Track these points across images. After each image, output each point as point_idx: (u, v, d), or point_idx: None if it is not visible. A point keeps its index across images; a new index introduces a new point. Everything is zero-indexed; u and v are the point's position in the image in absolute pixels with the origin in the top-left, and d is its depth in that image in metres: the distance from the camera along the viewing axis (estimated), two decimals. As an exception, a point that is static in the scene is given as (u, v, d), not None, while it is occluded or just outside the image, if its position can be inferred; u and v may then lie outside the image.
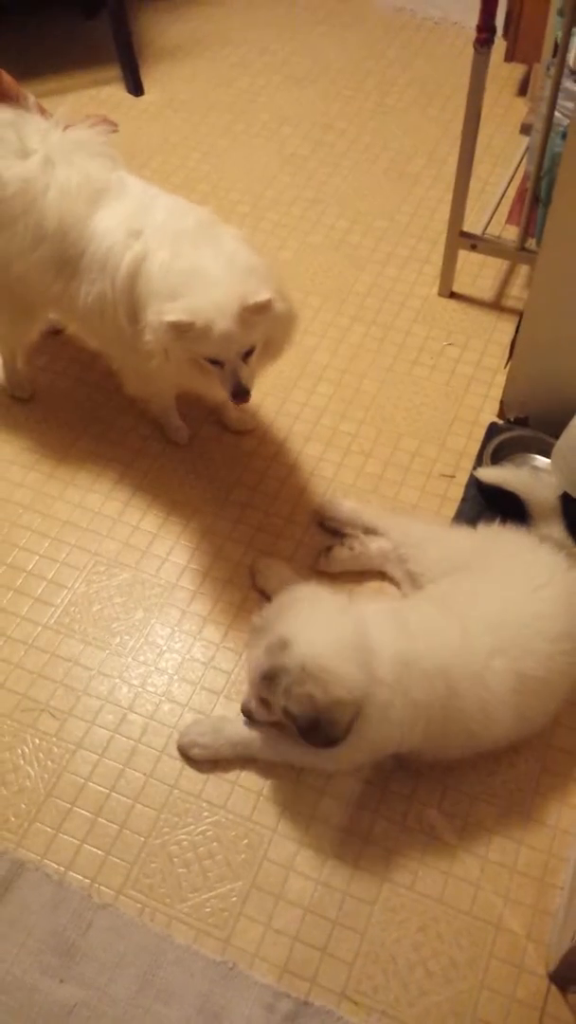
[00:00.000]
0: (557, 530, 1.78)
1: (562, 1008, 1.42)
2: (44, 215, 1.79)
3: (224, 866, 1.55)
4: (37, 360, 2.36)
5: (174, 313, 1.60)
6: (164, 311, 1.62)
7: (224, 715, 1.73)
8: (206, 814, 1.60)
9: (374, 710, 1.45)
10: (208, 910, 1.51)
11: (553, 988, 1.44)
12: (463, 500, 2.02)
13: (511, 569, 1.66)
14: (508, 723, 1.53)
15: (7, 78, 2.70)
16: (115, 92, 3.30)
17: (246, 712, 1.60)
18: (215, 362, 1.68)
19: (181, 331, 1.61)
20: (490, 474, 1.89)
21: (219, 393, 1.75)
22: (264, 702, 1.53)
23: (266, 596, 1.85)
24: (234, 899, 1.52)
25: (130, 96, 3.30)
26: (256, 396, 2.19)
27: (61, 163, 1.82)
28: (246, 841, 1.58)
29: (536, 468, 2.06)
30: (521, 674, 1.50)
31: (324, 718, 1.42)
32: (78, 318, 1.95)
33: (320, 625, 1.49)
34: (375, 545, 1.89)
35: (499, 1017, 1.41)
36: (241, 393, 1.70)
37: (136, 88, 3.30)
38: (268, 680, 1.46)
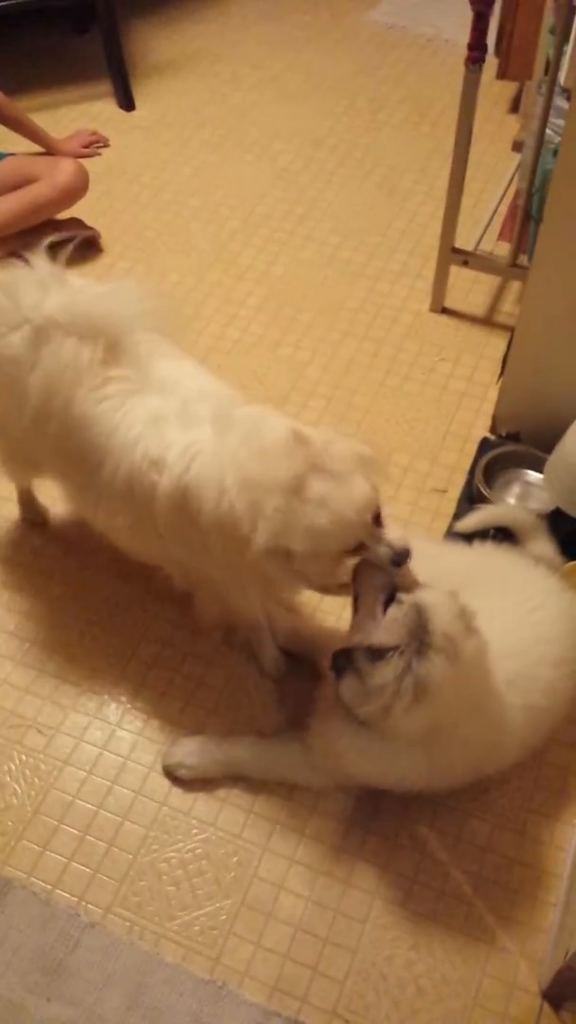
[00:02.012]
0: (545, 548, 1.77)
1: (555, 1026, 1.41)
2: (27, 396, 1.50)
3: (214, 884, 1.53)
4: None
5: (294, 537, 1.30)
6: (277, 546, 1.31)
7: (211, 734, 1.71)
8: (195, 831, 1.59)
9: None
10: (197, 928, 1.49)
11: (546, 1006, 1.42)
12: (455, 516, 2.02)
13: (505, 591, 1.63)
14: (514, 754, 1.51)
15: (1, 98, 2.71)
16: (106, 107, 3.31)
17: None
18: (354, 552, 1.38)
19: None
20: (469, 522, 1.85)
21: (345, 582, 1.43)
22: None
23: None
24: (224, 917, 1.50)
25: (121, 111, 3.31)
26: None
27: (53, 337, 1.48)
28: (236, 859, 1.56)
29: (528, 483, 2.06)
30: (529, 707, 1.46)
31: (373, 696, 1.29)
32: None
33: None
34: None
35: (491, 1037, 1.40)
36: (404, 554, 1.41)
37: (127, 103, 3.31)
38: (418, 641, 1.27)
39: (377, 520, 1.38)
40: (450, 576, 1.69)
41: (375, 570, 1.37)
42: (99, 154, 3.09)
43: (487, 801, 1.63)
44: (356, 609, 1.40)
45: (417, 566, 1.73)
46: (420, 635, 1.27)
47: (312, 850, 1.57)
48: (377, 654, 1.28)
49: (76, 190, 2.66)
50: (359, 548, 1.37)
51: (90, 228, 2.76)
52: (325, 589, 1.60)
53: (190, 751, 1.64)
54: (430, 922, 1.50)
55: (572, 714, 1.69)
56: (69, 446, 1.51)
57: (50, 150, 2.90)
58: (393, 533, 1.39)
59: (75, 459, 1.52)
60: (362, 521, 1.34)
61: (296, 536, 1.30)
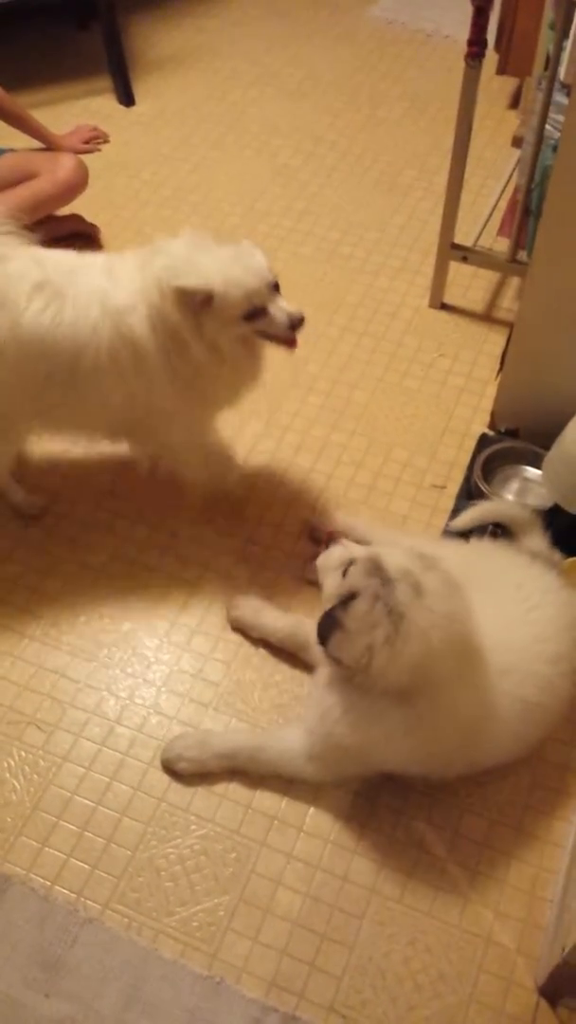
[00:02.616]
0: (540, 543, 1.77)
1: (552, 1022, 1.40)
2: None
3: (212, 880, 1.54)
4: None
5: (205, 278, 1.57)
6: (191, 285, 1.57)
7: (210, 728, 1.72)
8: (194, 827, 1.59)
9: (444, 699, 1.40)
10: (195, 924, 1.49)
11: (543, 1002, 1.42)
12: (453, 511, 2.02)
13: (503, 588, 1.64)
14: (506, 747, 1.52)
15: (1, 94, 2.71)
16: (107, 103, 3.31)
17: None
18: (255, 317, 1.64)
19: (229, 293, 1.58)
20: (463, 520, 1.86)
21: (260, 372, 1.78)
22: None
23: (242, 632, 1.85)
24: (221, 913, 1.50)
25: (121, 107, 3.30)
26: (244, 408, 2.19)
27: None
28: (234, 854, 1.56)
29: (527, 479, 2.06)
30: (524, 700, 1.47)
31: (354, 639, 1.34)
32: (104, 426, 1.84)
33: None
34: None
35: (488, 1032, 1.40)
36: (299, 321, 1.68)
37: (128, 99, 3.31)
38: (379, 579, 1.35)
39: (276, 289, 1.67)
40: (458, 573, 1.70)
41: (330, 551, 1.46)
42: (99, 150, 3.09)
43: (484, 797, 1.63)
44: (324, 589, 1.47)
45: None
46: (379, 574, 1.35)
47: (310, 846, 1.57)
48: (349, 599, 1.35)
49: (76, 186, 2.66)
50: (259, 314, 1.64)
51: (90, 224, 2.76)
52: (236, 370, 1.74)
53: (188, 745, 1.65)
54: (427, 918, 1.50)
55: (569, 712, 1.70)
56: (38, 370, 1.66)
57: (50, 146, 2.89)
58: (288, 304, 1.67)
59: (55, 379, 1.68)
60: (261, 285, 1.62)
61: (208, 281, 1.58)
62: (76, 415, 1.80)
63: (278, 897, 1.52)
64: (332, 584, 1.42)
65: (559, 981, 1.39)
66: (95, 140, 3.11)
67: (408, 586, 1.33)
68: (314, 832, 1.59)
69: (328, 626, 1.38)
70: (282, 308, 1.67)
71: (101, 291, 1.66)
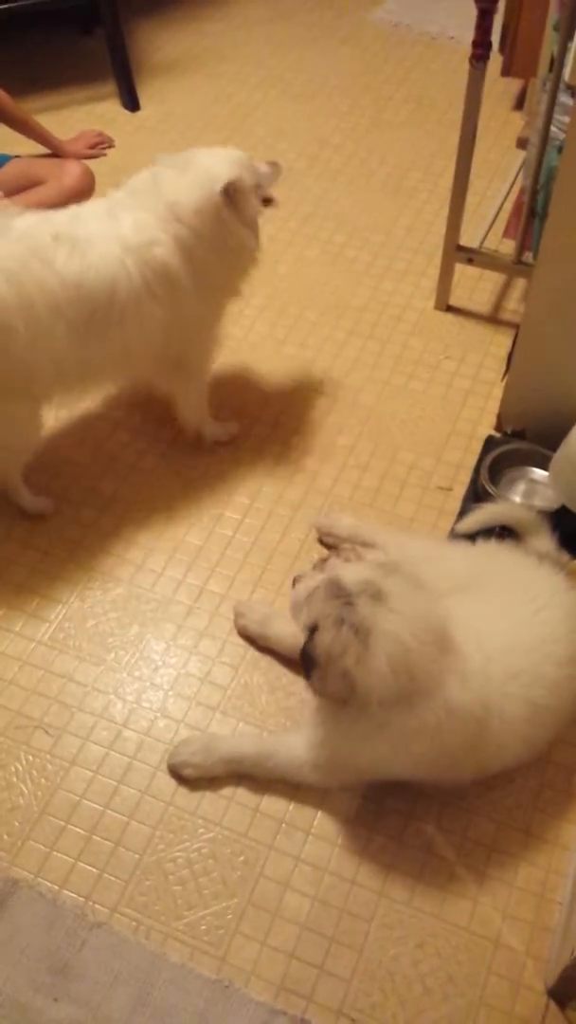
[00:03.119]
0: (547, 544, 1.77)
1: (560, 1022, 1.40)
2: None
3: (220, 883, 1.54)
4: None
5: (227, 172, 1.81)
6: (231, 178, 1.80)
7: (215, 732, 1.72)
8: (202, 831, 1.59)
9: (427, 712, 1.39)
10: (204, 928, 1.49)
11: (552, 1004, 1.42)
12: (460, 513, 2.01)
13: (511, 590, 1.63)
14: (514, 751, 1.51)
15: (4, 98, 2.72)
16: (111, 107, 3.32)
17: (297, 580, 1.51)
18: (257, 184, 1.91)
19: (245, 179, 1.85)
20: (468, 523, 1.84)
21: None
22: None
23: (248, 639, 1.85)
24: (230, 916, 1.50)
25: (126, 111, 3.31)
26: (251, 409, 2.19)
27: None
28: (242, 858, 1.56)
29: (534, 481, 2.05)
30: (532, 702, 1.46)
31: (314, 638, 1.36)
32: (136, 364, 1.97)
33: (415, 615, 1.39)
34: (371, 558, 1.87)
35: (498, 1035, 1.40)
36: (279, 168, 2.01)
37: (132, 103, 3.32)
38: (298, 607, 1.41)
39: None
40: (455, 576, 1.69)
41: (297, 588, 1.48)
42: (105, 155, 3.10)
43: (493, 800, 1.63)
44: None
45: (426, 567, 1.75)
46: (340, 595, 1.36)
47: (318, 849, 1.57)
48: (314, 631, 1.37)
49: (82, 192, 2.67)
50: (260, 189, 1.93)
51: None
52: (257, 242, 1.95)
53: (195, 750, 1.64)
54: (436, 921, 1.50)
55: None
56: (81, 314, 1.75)
57: (56, 152, 2.91)
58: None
59: (88, 323, 1.77)
60: (245, 157, 1.91)
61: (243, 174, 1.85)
62: (114, 359, 1.89)
63: (286, 900, 1.52)
64: (300, 619, 1.44)
65: (569, 983, 1.39)
66: (100, 145, 3.12)
67: (369, 597, 1.34)
68: (322, 835, 1.59)
69: (304, 664, 1.40)
70: (263, 165, 1.96)
71: (113, 233, 1.78)
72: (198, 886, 1.53)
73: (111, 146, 3.15)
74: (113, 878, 1.54)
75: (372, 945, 1.48)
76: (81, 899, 1.52)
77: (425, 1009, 1.42)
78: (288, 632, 1.78)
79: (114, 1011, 1.40)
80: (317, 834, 1.59)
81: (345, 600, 1.35)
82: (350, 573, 1.40)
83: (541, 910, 1.51)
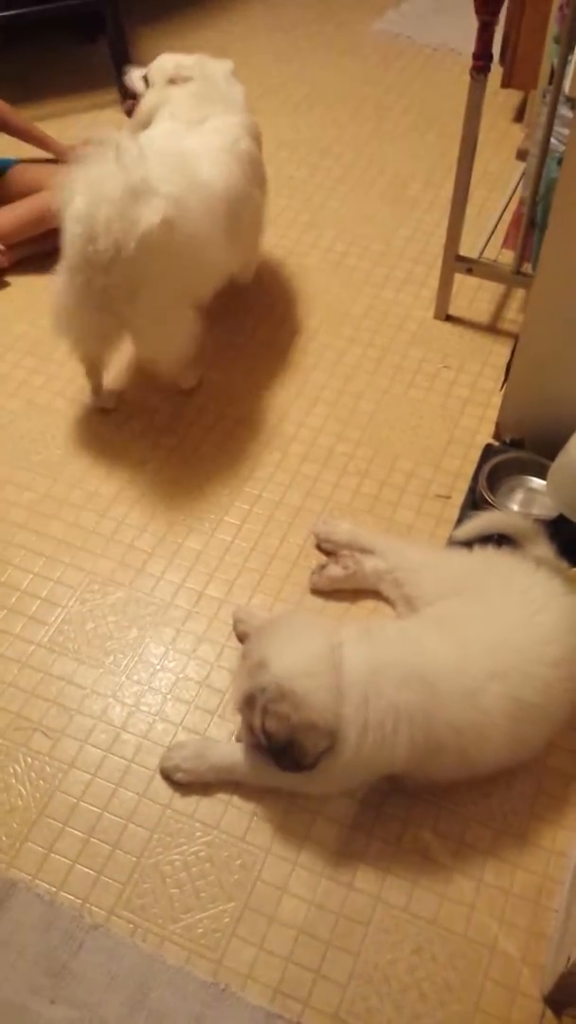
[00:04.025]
0: (545, 551, 1.78)
1: (557, 1031, 1.41)
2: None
3: (217, 887, 1.54)
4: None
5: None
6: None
7: (210, 738, 1.73)
8: (199, 834, 1.59)
9: (351, 734, 1.44)
10: (200, 931, 1.49)
11: (548, 1012, 1.42)
12: (458, 521, 2.02)
13: (508, 593, 1.65)
14: (502, 747, 1.52)
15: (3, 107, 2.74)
16: (114, 115, 3.33)
17: (238, 738, 1.61)
18: None
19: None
20: (466, 531, 1.84)
21: None
22: (249, 726, 1.50)
23: (244, 640, 1.85)
24: (227, 920, 1.51)
25: (129, 119, 3.32)
26: (246, 420, 2.20)
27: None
28: (239, 862, 1.57)
29: (532, 490, 2.06)
30: (519, 700, 1.48)
31: (296, 739, 1.41)
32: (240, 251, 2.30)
33: (298, 646, 1.48)
34: (370, 564, 1.89)
35: (493, 1041, 1.40)
36: None
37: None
38: (248, 701, 1.45)
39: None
40: (451, 581, 1.71)
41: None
42: None
43: (490, 807, 1.63)
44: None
45: (425, 573, 1.77)
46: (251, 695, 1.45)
47: (315, 854, 1.58)
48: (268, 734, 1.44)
49: None
50: None
51: None
52: None
53: (186, 756, 1.65)
54: (432, 926, 1.50)
55: (572, 721, 1.70)
56: (220, 217, 2.08)
57: (60, 157, 2.92)
58: None
59: (229, 224, 2.11)
60: None
61: None
62: (236, 255, 2.24)
63: (283, 904, 1.52)
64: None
65: (564, 990, 1.39)
66: None
67: (272, 685, 1.42)
68: (319, 840, 1.59)
69: (278, 760, 1.47)
70: None
71: (210, 141, 2.12)
72: (195, 889, 1.54)
73: None
74: (111, 880, 1.54)
75: (368, 950, 1.48)
76: (79, 901, 1.52)
77: (421, 1015, 1.42)
78: None
79: (111, 1013, 1.40)
80: (315, 839, 1.59)
81: (249, 700, 1.45)
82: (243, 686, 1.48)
83: (537, 917, 1.52)
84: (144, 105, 2.30)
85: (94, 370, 2.24)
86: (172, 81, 2.25)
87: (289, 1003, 1.43)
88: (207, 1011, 1.41)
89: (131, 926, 1.50)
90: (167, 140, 2.10)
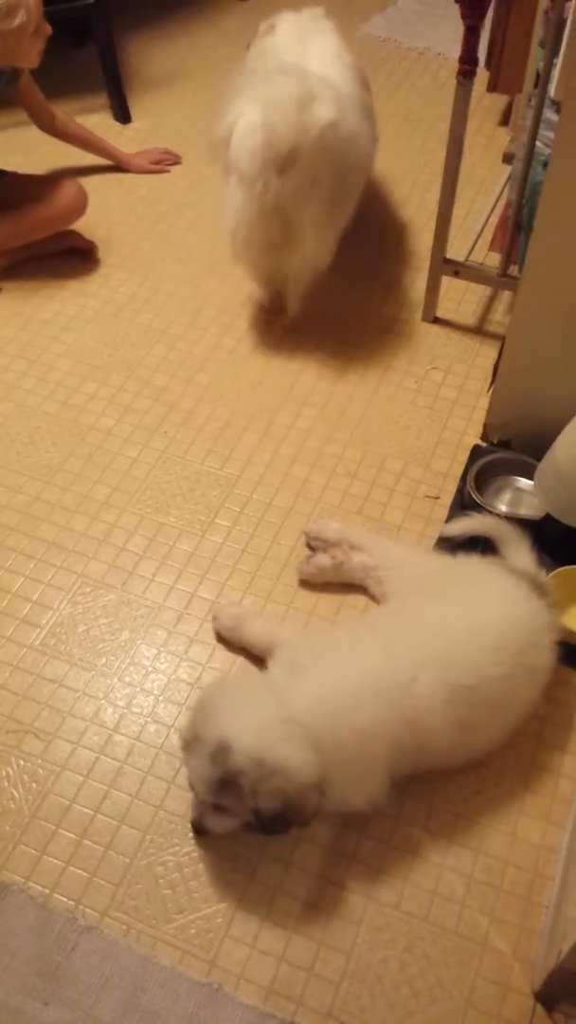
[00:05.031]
0: (526, 559, 1.80)
1: (547, 1026, 1.42)
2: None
3: (210, 887, 1.55)
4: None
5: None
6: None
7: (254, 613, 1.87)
8: (191, 835, 1.60)
9: (335, 774, 1.45)
10: (193, 931, 1.50)
11: (539, 1007, 1.44)
12: (447, 521, 2.04)
13: (466, 591, 1.70)
14: (449, 734, 1.53)
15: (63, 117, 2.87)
16: (103, 120, 3.34)
17: (197, 828, 1.55)
18: None
19: None
20: (455, 528, 1.92)
21: None
22: (219, 809, 1.48)
23: (224, 641, 1.87)
24: (220, 920, 1.51)
25: (117, 124, 3.34)
26: (241, 419, 2.21)
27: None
28: (232, 862, 1.57)
29: (519, 490, 2.08)
30: (450, 683, 1.51)
31: (291, 806, 1.41)
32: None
33: (251, 714, 1.46)
34: (358, 559, 1.90)
35: (485, 1037, 1.41)
36: None
37: (123, 116, 3.35)
38: (226, 787, 1.42)
39: None
40: (424, 580, 1.78)
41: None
42: (168, 171, 3.13)
43: (479, 804, 1.65)
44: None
45: (404, 572, 1.82)
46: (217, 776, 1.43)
47: (307, 854, 1.59)
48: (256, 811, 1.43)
49: (74, 211, 2.68)
50: None
51: (87, 240, 2.78)
52: None
53: (229, 615, 1.84)
54: (424, 924, 1.52)
55: (561, 718, 1.72)
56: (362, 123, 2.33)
57: (119, 165, 3.05)
58: None
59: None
60: None
61: None
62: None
63: (276, 904, 1.53)
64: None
65: (555, 986, 1.40)
66: (165, 162, 3.15)
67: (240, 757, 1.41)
68: (311, 840, 1.60)
69: (271, 830, 1.47)
70: None
71: (321, 59, 2.30)
72: (188, 890, 1.54)
73: (177, 162, 3.17)
74: (103, 882, 1.55)
75: (361, 948, 1.49)
76: (72, 903, 1.53)
77: (413, 1012, 1.43)
78: (261, 632, 1.81)
79: (104, 1014, 1.41)
80: (306, 839, 1.60)
81: (226, 774, 1.41)
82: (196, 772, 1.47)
83: (528, 913, 1.53)
84: (250, 57, 2.50)
85: (270, 288, 2.53)
86: (269, 32, 2.50)
87: (282, 1002, 1.44)
88: (200, 1011, 1.42)
89: (124, 927, 1.50)
90: (295, 59, 2.27)
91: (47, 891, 1.54)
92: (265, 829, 1.45)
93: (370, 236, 2.86)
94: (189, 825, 1.60)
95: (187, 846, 1.59)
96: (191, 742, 1.48)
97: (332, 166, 2.16)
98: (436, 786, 1.65)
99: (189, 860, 1.57)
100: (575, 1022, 1.41)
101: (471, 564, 1.78)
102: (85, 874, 1.56)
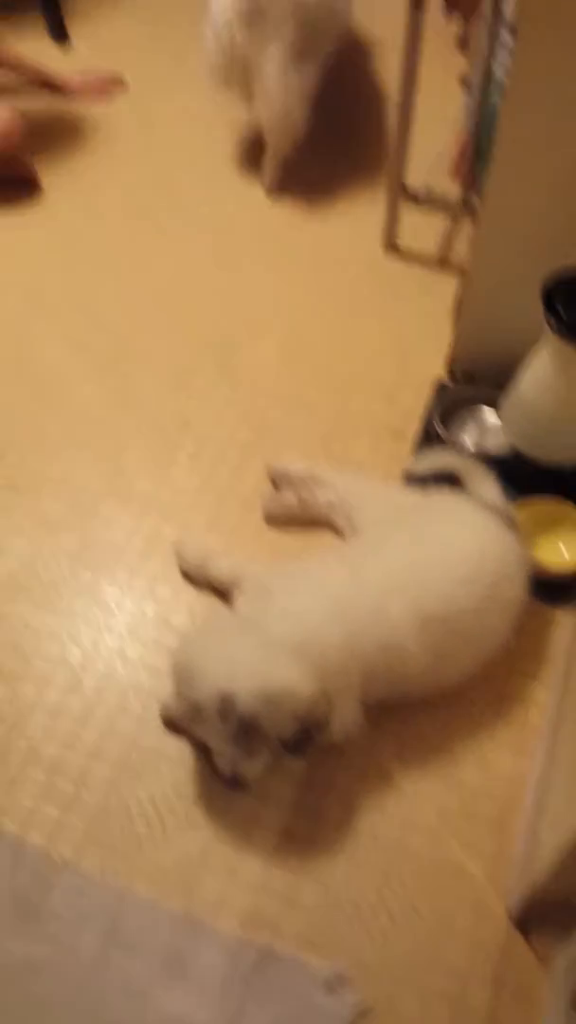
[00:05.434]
0: (493, 494, 1.80)
1: (524, 949, 1.44)
2: None
3: (185, 820, 1.54)
4: None
5: None
6: None
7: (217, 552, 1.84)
8: (164, 770, 1.59)
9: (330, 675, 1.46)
10: (170, 865, 1.50)
11: (514, 931, 1.46)
12: (412, 457, 2.02)
13: (437, 525, 1.70)
14: (421, 661, 1.55)
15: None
16: (37, 43, 3.19)
17: (236, 782, 1.46)
18: None
19: None
20: (421, 465, 1.91)
21: None
22: (247, 755, 1.45)
23: (190, 579, 1.85)
24: (196, 853, 1.51)
25: (55, 46, 3.19)
26: (194, 357, 2.16)
27: None
28: (207, 797, 1.57)
29: (484, 424, 2.07)
30: (421, 611, 1.53)
31: (311, 721, 1.41)
32: None
33: (242, 653, 1.45)
34: (322, 495, 1.89)
35: (462, 960, 1.44)
36: None
37: (60, 34, 3.19)
38: (246, 734, 1.40)
39: None
40: (394, 514, 1.78)
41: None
42: (112, 98, 2.99)
43: (450, 734, 1.66)
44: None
45: (371, 506, 1.84)
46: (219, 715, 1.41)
47: (283, 785, 1.59)
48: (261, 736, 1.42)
49: (9, 136, 2.56)
50: None
51: (29, 169, 2.67)
52: None
53: (192, 553, 1.84)
54: (398, 852, 1.53)
55: (531, 649, 1.74)
56: None
57: (59, 89, 2.87)
58: None
59: None
60: None
61: None
62: None
63: (252, 836, 1.53)
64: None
65: (529, 910, 1.43)
66: (110, 88, 3.01)
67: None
68: (286, 772, 1.60)
69: (298, 751, 1.46)
70: None
71: None
72: (163, 824, 1.54)
73: (122, 88, 3.03)
74: (77, 820, 1.54)
75: (337, 877, 1.50)
76: (46, 842, 1.51)
77: (390, 937, 1.45)
78: (227, 568, 1.79)
79: (83, 948, 1.41)
80: (281, 772, 1.60)
81: (225, 714, 1.40)
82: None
83: (502, 840, 1.55)
84: None
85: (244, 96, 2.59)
86: None
87: (260, 930, 1.45)
88: (179, 940, 1.42)
89: (100, 863, 1.49)
90: None
91: (20, 832, 1.52)
92: (292, 751, 1.45)
93: (324, 163, 2.79)
94: (162, 760, 1.59)
95: (161, 782, 1.58)
96: (191, 712, 1.46)
97: (298, 23, 2.34)
98: (408, 718, 1.66)
99: (163, 795, 1.57)
100: (550, 944, 1.44)
101: (441, 499, 1.77)
102: (58, 813, 1.54)
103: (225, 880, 1.49)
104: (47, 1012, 1.36)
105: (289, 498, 1.91)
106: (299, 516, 1.93)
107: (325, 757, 1.61)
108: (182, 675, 1.47)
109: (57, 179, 2.71)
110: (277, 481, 1.99)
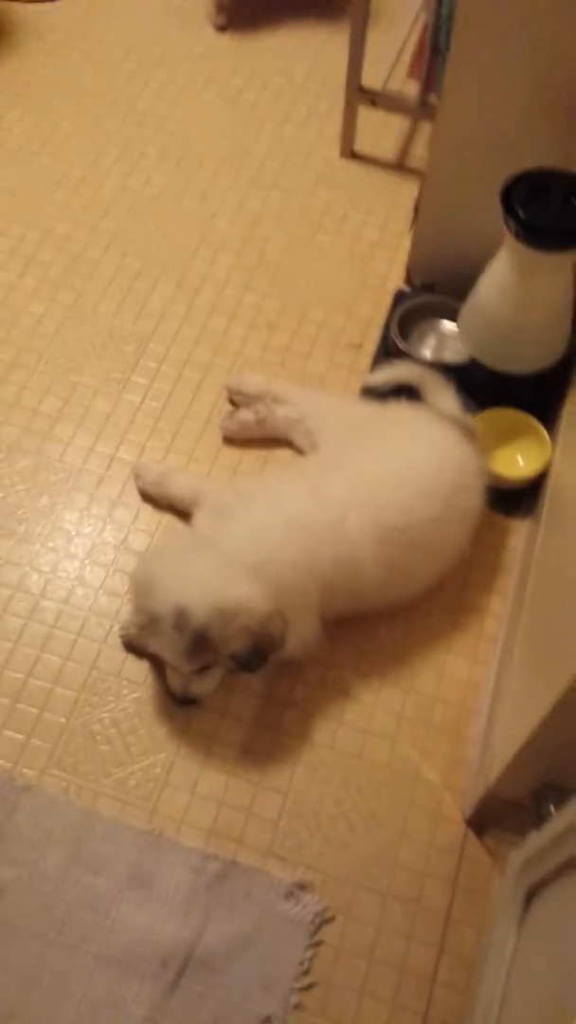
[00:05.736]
0: (451, 405, 1.78)
1: (479, 851, 1.49)
2: None
3: (147, 740, 1.57)
4: None
5: None
6: None
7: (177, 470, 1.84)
8: (126, 692, 1.61)
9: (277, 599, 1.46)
10: (133, 783, 1.53)
11: (470, 833, 1.51)
12: (371, 370, 2.00)
13: (396, 436, 1.69)
14: (378, 575, 1.55)
15: None
16: None
17: (186, 698, 1.52)
18: None
19: None
20: (377, 377, 1.88)
21: None
22: (199, 672, 1.48)
23: (149, 499, 1.84)
24: (158, 770, 1.54)
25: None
26: (152, 269, 2.11)
27: None
28: (168, 715, 1.59)
29: (443, 334, 2.04)
30: (380, 524, 1.53)
31: (263, 635, 1.42)
32: None
33: (196, 568, 1.46)
34: (281, 411, 1.87)
35: (420, 863, 1.48)
36: None
37: None
38: (199, 647, 1.41)
39: None
40: (354, 428, 1.76)
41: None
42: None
43: (408, 645, 1.68)
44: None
45: (332, 421, 1.78)
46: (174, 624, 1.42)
47: (241, 702, 1.61)
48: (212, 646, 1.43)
49: None
50: None
51: None
52: None
53: (151, 472, 1.82)
54: (357, 761, 1.56)
55: (488, 560, 1.75)
56: None
57: None
58: None
59: None
60: None
61: None
62: None
63: (213, 751, 1.56)
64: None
65: (484, 813, 1.47)
66: None
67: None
68: (245, 689, 1.62)
69: (250, 666, 1.46)
70: None
71: None
72: (125, 744, 1.56)
73: None
74: (40, 743, 1.56)
75: (297, 788, 1.54)
76: (9, 765, 1.54)
77: (350, 844, 1.49)
78: (187, 486, 1.79)
79: (49, 868, 1.44)
80: (241, 689, 1.62)
81: (181, 624, 1.41)
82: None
83: (456, 746, 1.59)
84: None
85: None
86: None
87: (223, 843, 1.49)
88: (143, 856, 1.46)
89: (64, 784, 1.52)
90: None
91: (-17, 756, 1.54)
92: (245, 668, 1.46)
93: (278, 64, 2.68)
94: (123, 682, 1.61)
95: (123, 703, 1.60)
96: (148, 624, 1.46)
97: None
98: (367, 630, 1.68)
99: (125, 716, 1.59)
100: (504, 845, 1.48)
101: (399, 410, 1.76)
102: (21, 736, 1.56)
103: (187, 796, 1.52)
104: (14, 932, 1.39)
105: (247, 415, 1.89)
106: (258, 433, 1.91)
107: (284, 671, 1.63)
108: (141, 588, 1.48)
109: (1, 87, 2.59)
110: (235, 399, 1.96)
